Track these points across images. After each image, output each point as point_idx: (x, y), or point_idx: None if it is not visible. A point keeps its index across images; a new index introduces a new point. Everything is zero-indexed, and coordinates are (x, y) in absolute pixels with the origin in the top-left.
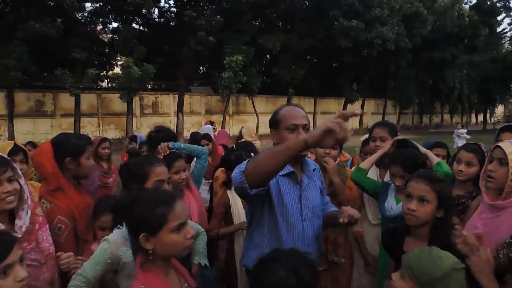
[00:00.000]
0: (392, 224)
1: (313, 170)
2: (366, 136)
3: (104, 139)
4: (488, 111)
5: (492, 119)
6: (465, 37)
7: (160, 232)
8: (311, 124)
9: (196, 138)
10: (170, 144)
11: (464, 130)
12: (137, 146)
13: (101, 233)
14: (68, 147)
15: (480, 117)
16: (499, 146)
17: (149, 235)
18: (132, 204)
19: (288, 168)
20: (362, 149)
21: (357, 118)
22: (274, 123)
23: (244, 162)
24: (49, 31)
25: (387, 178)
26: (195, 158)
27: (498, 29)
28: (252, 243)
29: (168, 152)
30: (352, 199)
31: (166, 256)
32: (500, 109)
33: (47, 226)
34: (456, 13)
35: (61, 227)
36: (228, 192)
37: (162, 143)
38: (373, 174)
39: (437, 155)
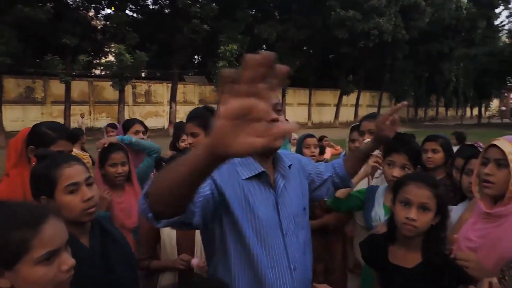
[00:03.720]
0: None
1: (289, 166)
2: (356, 123)
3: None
4: (483, 105)
5: (487, 113)
6: (462, 29)
7: (18, 264)
8: (306, 116)
9: (181, 128)
10: (117, 138)
11: None
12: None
13: None
14: (34, 135)
15: (475, 111)
16: (495, 145)
17: (1, 269)
18: None
19: (257, 167)
20: (350, 136)
21: (352, 110)
22: None
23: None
24: (38, 15)
25: (377, 175)
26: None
27: (496, 22)
28: None
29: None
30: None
31: None
32: (495, 103)
33: None
34: (454, 5)
35: None
36: None
37: (101, 140)
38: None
39: (426, 151)
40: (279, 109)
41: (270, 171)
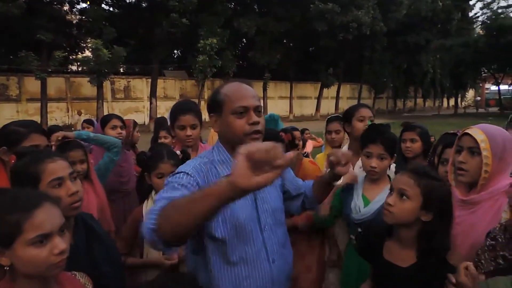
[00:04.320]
0: (360, 230)
1: None
2: (334, 115)
3: (136, 123)
4: (460, 95)
5: (463, 103)
6: (438, 21)
7: (14, 245)
8: (288, 109)
9: (162, 124)
10: (74, 134)
11: None
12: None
13: None
14: (4, 135)
15: (452, 101)
16: (467, 134)
17: (1, 247)
18: None
19: None
20: (326, 128)
21: (333, 103)
22: (216, 105)
23: (153, 212)
24: (11, 10)
25: (358, 165)
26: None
27: (470, 14)
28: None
29: (60, 141)
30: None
31: (28, 275)
32: (470, 94)
33: None
34: None
35: None
36: (145, 203)
37: (56, 133)
38: None
39: (404, 140)
40: (260, 110)
41: None
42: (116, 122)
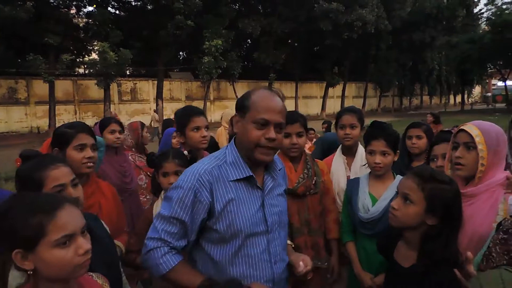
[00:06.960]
0: (367, 231)
1: (279, 170)
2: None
3: (143, 124)
4: (466, 92)
5: (469, 100)
6: (443, 18)
7: (38, 247)
8: (293, 109)
9: (169, 125)
10: None
11: None
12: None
13: None
14: (54, 137)
15: (458, 98)
16: (463, 130)
17: (25, 251)
18: (5, 214)
19: (245, 171)
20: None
21: (339, 102)
22: (242, 107)
23: (164, 264)
24: (19, 14)
25: (354, 166)
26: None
27: (475, 10)
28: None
29: None
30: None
31: (53, 278)
32: (477, 90)
33: None
34: None
35: None
36: (156, 203)
37: None
38: (340, 163)
39: (410, 137)
40: (282, 127)
41: (260, 174)
42: (114, 127)
